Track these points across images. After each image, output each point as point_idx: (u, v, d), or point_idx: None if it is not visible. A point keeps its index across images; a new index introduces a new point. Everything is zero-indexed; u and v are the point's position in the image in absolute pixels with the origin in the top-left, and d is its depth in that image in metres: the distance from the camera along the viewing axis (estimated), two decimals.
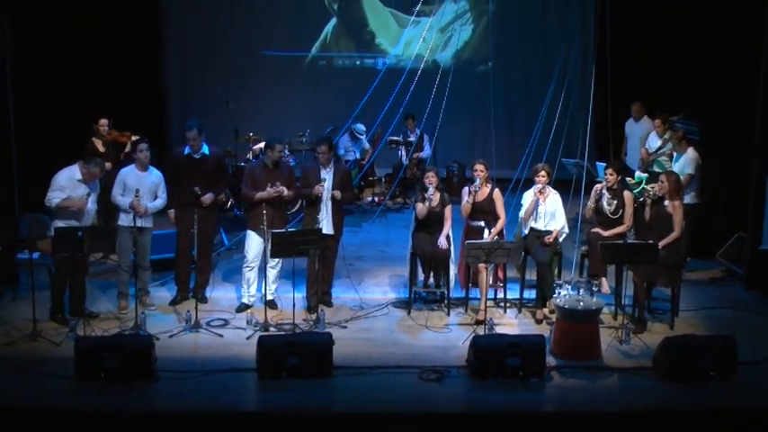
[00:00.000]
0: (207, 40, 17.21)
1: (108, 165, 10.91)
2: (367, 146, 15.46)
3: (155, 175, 10.00)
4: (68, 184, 9.50)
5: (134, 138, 11.57)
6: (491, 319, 9.56)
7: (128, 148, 11.86)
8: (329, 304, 10.25)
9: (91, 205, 9.66)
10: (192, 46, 17.26)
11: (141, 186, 9.72)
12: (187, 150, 10.06)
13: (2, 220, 10.62)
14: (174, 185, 10.05)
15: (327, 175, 9.98)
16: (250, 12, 17.26)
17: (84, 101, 13.25)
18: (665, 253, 9.51)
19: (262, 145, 14.11)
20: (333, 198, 9.97)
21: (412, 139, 15.42)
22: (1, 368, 8.51)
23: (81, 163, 9.63)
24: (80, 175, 9.55)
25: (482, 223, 10.13)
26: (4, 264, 10.46)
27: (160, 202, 10.00)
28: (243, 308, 10.04)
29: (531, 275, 10.21)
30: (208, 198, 9.96)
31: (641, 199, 10.16)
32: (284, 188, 9.85)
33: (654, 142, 12.61)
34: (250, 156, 14.07)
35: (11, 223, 10.66)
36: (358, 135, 15.23)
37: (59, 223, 9.39)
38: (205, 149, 10.09)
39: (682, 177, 10.56)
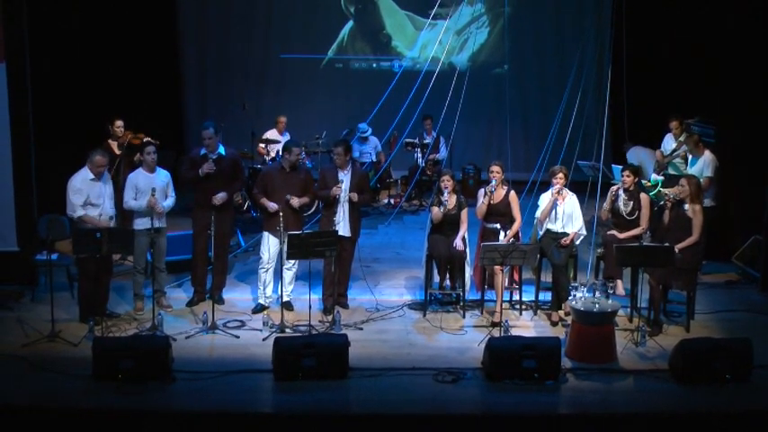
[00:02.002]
0: (224, 42, 17.30)
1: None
2: (379, 148, 15.44)
3: (163, 175, 10.04)
4: (83, 185, 9.53)
5: (146, 139, 11.51)
6: (506, 321, 9.58)
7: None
8: (345, 306, 10.27)
9: (108, 202, 9.72)
10: (209, 49, 17.35)
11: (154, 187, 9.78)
12: (203, 151, 10.10)
13: (20, 221, 10.69)
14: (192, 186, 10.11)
15: (345, 177, 10.01)
16: (267, 15, 17.32)
17: (101, 102, 13.31)
18: (682, 256, 9.50)
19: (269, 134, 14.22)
20: (350, 200, 10.00)
21: (428, 141, 15.41)
22: (19, 368, 8.58)
23: (87, 164, 9.66)
24: (91, 174, 9.59)
25: (497, 225, 10.12)
26: (23, 265, 10.55)
27: (171, 201, 10.04)
28: (259, 309, 10.07)
29: (547, 277, 10.20)
30: (220, 197, 9.97)
31: (661, 202, 10.12)
32: (296, 199, 9.90)
33: (669, 144, 12.57)
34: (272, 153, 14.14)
35: (30, 224, 10.72)
36: (360, 135, 15.22)
37: None
38: (221, 150, 10.12)
39: (701, 180, 10.54)
